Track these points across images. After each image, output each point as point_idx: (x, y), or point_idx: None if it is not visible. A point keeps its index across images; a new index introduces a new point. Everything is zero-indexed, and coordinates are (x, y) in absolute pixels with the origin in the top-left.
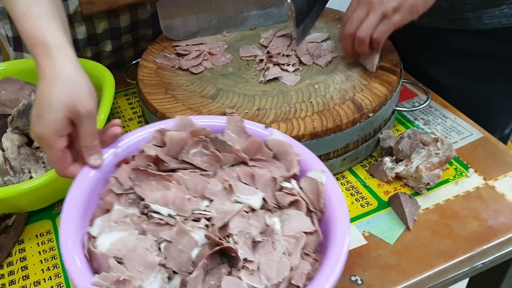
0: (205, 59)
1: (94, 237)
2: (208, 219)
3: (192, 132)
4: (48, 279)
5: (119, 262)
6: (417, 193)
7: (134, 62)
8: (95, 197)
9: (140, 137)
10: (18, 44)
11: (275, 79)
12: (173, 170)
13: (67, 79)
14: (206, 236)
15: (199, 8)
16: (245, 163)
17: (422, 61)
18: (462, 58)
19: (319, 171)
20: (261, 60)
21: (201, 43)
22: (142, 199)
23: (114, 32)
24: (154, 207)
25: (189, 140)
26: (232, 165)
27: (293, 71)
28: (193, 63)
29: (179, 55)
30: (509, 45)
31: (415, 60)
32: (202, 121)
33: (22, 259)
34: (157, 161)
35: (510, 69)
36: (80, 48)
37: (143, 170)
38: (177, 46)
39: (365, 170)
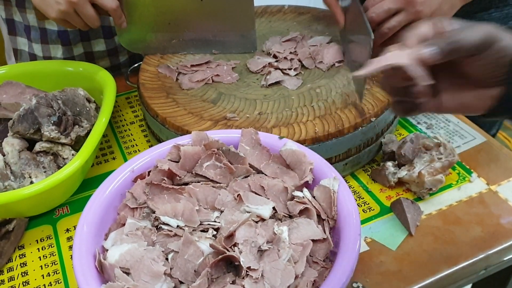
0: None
1: (107, 250)
2: (217, 230)
3: (205, 145)
4: (49, 285)
5: (126, 273)
6: (420, 198)
7: (136, 64)
8: (112, 212)
9: (157, 153)
10: (12, 27)
11: (277, 83)
12: (188, 184)
13: None
14: (210, 245)
15: (157, 27)
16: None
17: None
18: None
19: (331, 178)
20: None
21: (208, 67)
22: (154, 212)
23: (107, 30)
24: (164, 219)
25: (202, 154)
26: (245, 177)
27: (295, 75)
28: (194, 85)
29: (180, 73)
30: None
31: None
32: (218, 135)
33: (22, 265)
34: (171, 176)
35: None
36: (71, 42)
37: (157, 184)
38: (180, 62)
39: (367, 175)
